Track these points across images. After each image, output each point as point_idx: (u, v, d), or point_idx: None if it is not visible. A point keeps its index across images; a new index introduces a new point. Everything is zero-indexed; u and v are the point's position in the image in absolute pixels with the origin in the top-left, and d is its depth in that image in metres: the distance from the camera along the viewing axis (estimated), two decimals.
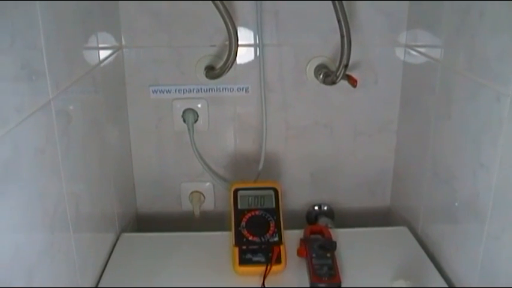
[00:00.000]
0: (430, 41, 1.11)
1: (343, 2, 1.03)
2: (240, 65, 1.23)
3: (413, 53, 1.19)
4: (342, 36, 1.04)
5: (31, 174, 0.68)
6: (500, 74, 0.79)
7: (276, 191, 1.09)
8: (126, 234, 1.16)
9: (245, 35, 1.21)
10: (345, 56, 1.05)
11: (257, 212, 1.07)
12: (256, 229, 1.04)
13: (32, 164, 0.68)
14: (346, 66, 1.06)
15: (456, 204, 0.96)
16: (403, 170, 1.30)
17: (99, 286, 0.96)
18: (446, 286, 0.96)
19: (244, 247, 1.01)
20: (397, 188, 1.35)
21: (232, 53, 1.09)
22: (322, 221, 1.34)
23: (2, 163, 0.59)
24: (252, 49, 1.23)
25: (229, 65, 1.12)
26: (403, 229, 1.17)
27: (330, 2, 1.03)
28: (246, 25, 1.21)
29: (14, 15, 0.64)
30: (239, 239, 1.03)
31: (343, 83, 1.14)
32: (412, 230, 1.16)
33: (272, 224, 1.05)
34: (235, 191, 1.09)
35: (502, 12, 0.80)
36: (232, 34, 1.08)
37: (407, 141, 1.27)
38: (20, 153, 0.64)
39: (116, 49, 1.17)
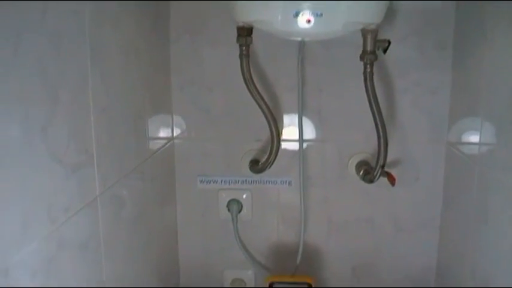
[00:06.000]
0: (469, 141, 1.12)
1: (384, 98, 1.08)
2: (284, 158, 1.27)
3: (455, 151, 1.19)
4: (379, 137, 1.07)
5: (73, 268, 0.73)
6: None
7: (310, 286, 1.10)
8: None
9: (289, 130, 1.27)
10: (381, 157, 1.07)
11: None
12: None
13: (74, 259, 0.73)
14: (383, 166, 1.08)
15: None
16: (445, 269, 1.28)
17: None
18: None
19: None
20: (440, 286, 1.31)
21: (273, 152, 1.15)
22: None
23: (46, 260, 0.64)
24: (296, 144, 1.27)
25: (271, 162, 1.17)
26: None
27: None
28: (290, 121, 1.27)
29: (71, 119, 0.71)
30: None
31: (384, 179, 1.16)
32: None
33: None
34: (271, 285, 1.11)
35: None
36: (274, 135, 1.14)
37: (449, 240, 1.25)
38: (63, 249, 0.69)
39: (168, 140, 1.25)
